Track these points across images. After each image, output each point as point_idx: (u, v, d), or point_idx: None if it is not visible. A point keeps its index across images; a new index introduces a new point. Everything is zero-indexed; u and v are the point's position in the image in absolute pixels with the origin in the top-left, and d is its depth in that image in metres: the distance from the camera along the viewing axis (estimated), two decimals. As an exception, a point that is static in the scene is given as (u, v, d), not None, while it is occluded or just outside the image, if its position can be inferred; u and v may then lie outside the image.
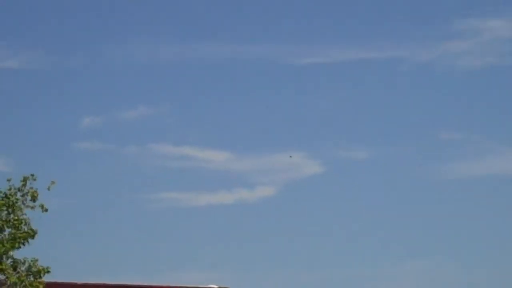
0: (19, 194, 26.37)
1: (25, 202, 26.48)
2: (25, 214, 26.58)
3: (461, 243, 78.06)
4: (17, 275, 26.93)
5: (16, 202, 26.21)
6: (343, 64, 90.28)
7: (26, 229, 26.45)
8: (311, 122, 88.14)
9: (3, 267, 26.96)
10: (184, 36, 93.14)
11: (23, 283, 26.94)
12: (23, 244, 26.70)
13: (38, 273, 26.64)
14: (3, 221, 26.44)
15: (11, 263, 27.03)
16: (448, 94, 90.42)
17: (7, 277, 26.85)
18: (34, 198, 26.45)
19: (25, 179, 26.44)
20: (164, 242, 76.26)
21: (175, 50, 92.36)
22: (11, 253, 27.03)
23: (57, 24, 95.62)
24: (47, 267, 27.24)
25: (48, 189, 26.31)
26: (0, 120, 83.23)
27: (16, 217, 26.39)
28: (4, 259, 26.79)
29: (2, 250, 26.86)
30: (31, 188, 26.49)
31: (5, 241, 26.37)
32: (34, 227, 26.57)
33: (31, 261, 26.63)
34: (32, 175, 26.53)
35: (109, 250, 74.55)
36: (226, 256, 74.01)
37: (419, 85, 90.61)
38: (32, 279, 27.19)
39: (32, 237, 26.72)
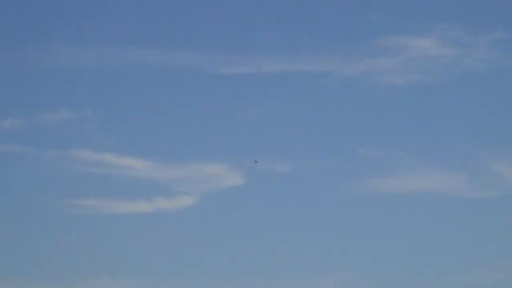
0: None
1: None
2: None
3: (376, 256, 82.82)
4: None
5: None
6: (270, 75, 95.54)
7: None
8: (235, 133, 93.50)
9: None
10: (110, 41, 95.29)
11: None
12: None
13: None
14: None
15: None
16: (371, 109, 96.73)
17: None
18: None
19: None
20: (81, 248, 79.66)
21: (101, 55, 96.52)
22: None
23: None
24: None
25: None
26: None
27: None
28: None
29: None
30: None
31: None
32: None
33: None
34: None
35: (26, 252, 77.67)
36: (142, 264, 79.36)
37: (343, 100, 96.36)
38: None
39: None
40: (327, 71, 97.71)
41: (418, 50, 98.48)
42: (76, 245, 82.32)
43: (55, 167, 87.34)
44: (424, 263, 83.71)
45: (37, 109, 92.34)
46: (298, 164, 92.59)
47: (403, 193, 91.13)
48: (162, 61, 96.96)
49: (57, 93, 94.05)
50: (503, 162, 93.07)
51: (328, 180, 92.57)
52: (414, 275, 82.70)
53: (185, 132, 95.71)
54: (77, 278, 77.00)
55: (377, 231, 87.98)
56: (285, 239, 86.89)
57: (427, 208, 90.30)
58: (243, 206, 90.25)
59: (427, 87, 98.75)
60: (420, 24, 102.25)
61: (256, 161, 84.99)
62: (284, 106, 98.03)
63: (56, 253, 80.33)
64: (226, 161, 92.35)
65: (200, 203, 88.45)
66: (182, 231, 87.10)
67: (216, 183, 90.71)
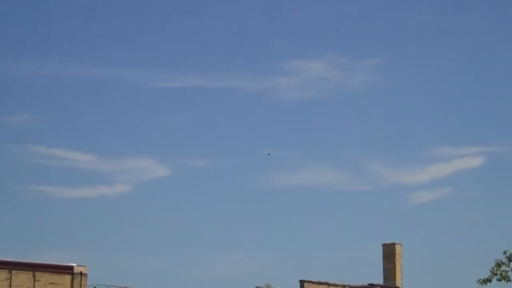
0: None
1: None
2: None
3: (274, 235, 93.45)
4: None
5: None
6: (192, 89, 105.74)
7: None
8: (163, 134, 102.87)
9: None
10: (62, 57, 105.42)
11: None
12: None
13: None
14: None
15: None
16: (273, 118, 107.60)
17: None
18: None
19: None
20: (35, 226, 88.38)
21: (55, 70, 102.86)
22: None
23: None
24: None
25: None
26: None
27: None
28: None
29: None
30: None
31: None
32: None
33: None
34: None
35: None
36: (86, 241, 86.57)
37: (250, 110, 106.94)
38: None
39: None
40: (238, 86, 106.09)
41: (312, 71, 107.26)
42: (28, 223, 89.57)
43: (14, 159, 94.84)
44: (308, 243, 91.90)
45: (2, 111, 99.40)
46: (212, 160, 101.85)
47: (297, 186, 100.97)
48: (102, 75, 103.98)
49: (19, 100, 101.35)
50: (378, 162, 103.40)
51: (236, 174, 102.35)
52: (297, 251, 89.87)
53: (121, 132, 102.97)
54: (31, 250, 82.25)
55: (275, 217, 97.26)
56: (202, 220, 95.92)
57: (316, 198, 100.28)
58: (168, 193, 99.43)
59: (318, 102, 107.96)
60: (313, 51, 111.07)
61: (269, 154, 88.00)
62: (202, 113, 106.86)
63: (15, 230, 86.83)
64: (155, 157, 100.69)
65: (134, 190, 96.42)
66: (119, 213, 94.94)
67: (147, 174, 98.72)
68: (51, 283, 41.80)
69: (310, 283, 50.81)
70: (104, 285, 45.70)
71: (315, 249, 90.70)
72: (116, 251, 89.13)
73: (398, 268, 55.83)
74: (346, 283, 52.83)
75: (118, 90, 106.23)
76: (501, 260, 39.61)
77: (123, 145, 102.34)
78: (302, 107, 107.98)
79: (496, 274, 39.56)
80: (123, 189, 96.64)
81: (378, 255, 56.55)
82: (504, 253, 39.65)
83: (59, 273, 42.07)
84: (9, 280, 40.21)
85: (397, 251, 55.78)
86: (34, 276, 41.25)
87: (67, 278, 42.16)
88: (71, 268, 42.47)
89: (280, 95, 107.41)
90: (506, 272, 39.41)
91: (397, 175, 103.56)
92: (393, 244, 55.76)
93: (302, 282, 50.70)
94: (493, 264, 39.69)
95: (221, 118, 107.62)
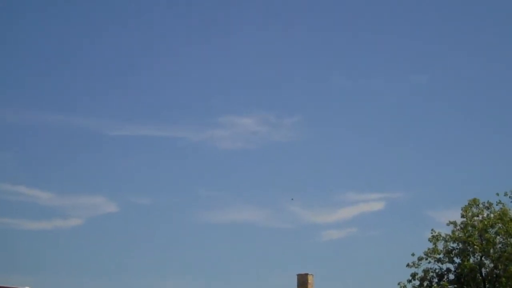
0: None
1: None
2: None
3: (205, 265, 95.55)
4: None
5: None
6: (141, 137, 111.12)
7: None
8: (113, 175, 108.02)
9: None
10: (28, 103, 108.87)
11: None
12: None
13: None
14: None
15: None
16: (209, 163, 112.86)
17: None
18: None
19: None
20: None
21: (18, 115, 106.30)
22: None
23: None
24: None
25: None
26: None
27: None
28: None
29: None
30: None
31: None
32: None
33: None
34: None
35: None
36: (40, 268, 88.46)
37: (190, 156, 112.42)
38: None
39: None
40: (181, 137, 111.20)
41: (243, 126, 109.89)
42: None
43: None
44: (234, 272, 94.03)
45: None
46: (156, 199, 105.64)
47: (227, 222, 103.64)
48: (62, 122, 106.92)
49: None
50: (296, 204, 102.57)
51: (176, 211, 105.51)
52: (225, 279, 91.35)
53: (76, 174, 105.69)
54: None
55: (207, 249, 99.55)
56: (143, 251, 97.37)
57: (243, 233, 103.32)
58: (117, 226, 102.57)
59: (247, 152, 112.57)
60: (244, 108, 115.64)
61: (292, 199, 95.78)
62: (150, 158, 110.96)
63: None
64: (105, 195, 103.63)
65: (86, 223, 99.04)
66: (72, 243, 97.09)
67: (98, 210, 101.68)
68: (8, 303, 43.73)
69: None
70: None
71: (240, 277, 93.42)
72: (68, 276, 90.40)
73: None
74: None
75: (76, 136, 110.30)
76: None
77: (76, 184, 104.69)
78: (234, 155, 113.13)
79: None
80: (77, 222, 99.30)
81: (293, 284, 57.88)
82: (398, 284, 46.71)
83: (16, 294, 44.25)
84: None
85: (309, 281, 57.46)
86: (-8, 297, 43.36)
87: (23, 299, 44.17)
88: (27, 290, 44.87)
89: (216, 144, 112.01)
90: None
91: (311, 216, 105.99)
92: (306, 274, 57.45)
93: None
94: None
95: (166, 162, 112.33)
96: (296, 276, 58.58)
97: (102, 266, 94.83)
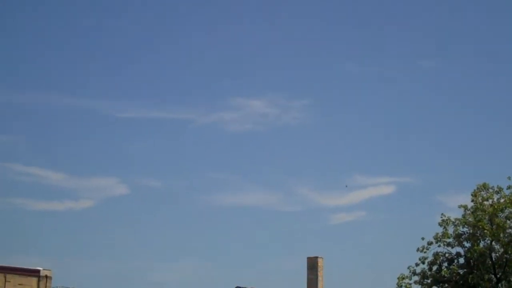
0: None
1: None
2: None
3: (215, 248, 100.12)
4: None
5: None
6: (152, 119, 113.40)
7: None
8: (125, 158, 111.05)
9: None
10: (40, 86, 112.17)
11: None
12: None
13: None
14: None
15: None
16: (218, 146, 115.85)
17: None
18: None
19: None
20: (8, 234, 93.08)
21: (32, 97, 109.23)
22: None
23: None
24: None
25: None
26: None
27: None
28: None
29: None
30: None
31: None
32: None
33: None
34: None
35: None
36: (51, 249, 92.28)
37: (200, 139, 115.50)
38: None
39: None
40: (190, 118, 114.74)
41: (252, 108, 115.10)
42: (5, 231, 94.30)
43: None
44: (244, 255, 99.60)
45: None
46: (166, 181, 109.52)
47: (237, 205, 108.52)
48: (74, 104, 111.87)
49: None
50: (304, 187, 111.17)
51: (186, 193, 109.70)
52: (235, 261, 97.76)
53: (87, 155, 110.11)
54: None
55: (218, 231, 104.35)
56: (156, 231, 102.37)
57: (252, 216, 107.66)
58: (128, 208, 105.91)
59: (258, 134, 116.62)
60: (254, 91, 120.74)
61: (346, 186, 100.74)
62: (158, 140, 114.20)
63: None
64: (117, 177, 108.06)
65: (97, 205, 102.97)
66: (84, 225, 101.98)
67: (109, 191, 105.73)
68: (19, 284, 43.02)
69: (244, 289, 52.65)
70: (67, 287, 47.35)
71: (250, 260, 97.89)
72: (78, 257, 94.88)
73: (320, 278, 57.21)
74: None
75: (86, 118, 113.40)
76: (404, 274, 46.14)
77: (88, 166, 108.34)
78: (244, 137, 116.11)
79: (401, 286, 45.82)
80: (88, 204, 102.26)
81: (303, 267, 58.15)
82: (408, 268, 46.52)
83: (27, 275, 43.48)
84: (-17, 280, 41.77)
85: (319, 264, 57.34)
86: (5, 277, 42.53)
87: (34, 280, 43.47)
88: (38, 271, 43.96)
89: (225, 127, 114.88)
90: (410, 284, 46.08)
91: (321, 199, 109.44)
92: (316, 257, 57.40)
93: (237, 288, 52.93)
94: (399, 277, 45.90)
95: (175, 145, 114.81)
96: (306, 259, 58.58)
97: (112, 247, 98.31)
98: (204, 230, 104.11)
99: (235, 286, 54.68)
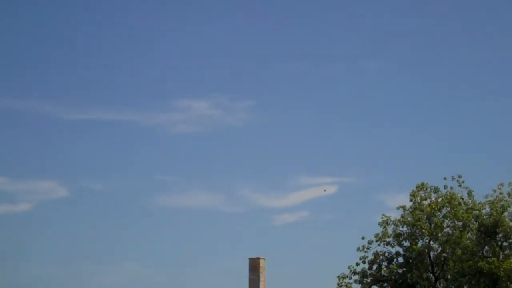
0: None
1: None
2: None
3: (157, 249, 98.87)
4: None
5: None
6: (93, 121, 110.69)
7: None
8: (66, 160, 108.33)
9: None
10: None
11: None
12: None
13: None
14: None
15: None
16: (163, 148, 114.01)
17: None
18: None
19: None
20: None
21: None
22: None
23: None
24: None
25: None
26: None
27: None
28: None
29: None
30: None
31: None
32: None
33: None
34: None
35: None
36: None
37: (145, 141, 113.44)
38: None
39: None
40: (134, 120, 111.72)
41: (197, 110, 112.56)
42: None
43: None
44: (188, 256, 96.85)
45: None
46: (108, 183, 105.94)
47: (180, 207, 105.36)
48: (12, 106, 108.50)
49: None
50: (247, 188, 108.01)
51: (128, 195, 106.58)
52: (178, 262, 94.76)
53: (26, 158, 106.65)
54: None
55: (161, 233, 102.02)
56: (97, 234, 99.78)
57: (195, 218, 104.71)
58: (67, 211, 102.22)
59: (202, 135, 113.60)
60: (199, 92, 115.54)
61: (324, 190, 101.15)
62: (100, 142, 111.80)
63: None
64: (56, 179, 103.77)
65: (36, 208, 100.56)
66: (22, 227, 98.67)
67: (48, 194, 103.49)
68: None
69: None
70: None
71: (192, 261, 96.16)
72: (16, 261, 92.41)
73: (261, 279, 56.80)
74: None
75: (26, 118, 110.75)
76: (344, 274, 46.92)
77: (27, 169, 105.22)
78: (188, 139, 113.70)
79: (341, 286, 46.60)
80: (27, 207, 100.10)
81: (245, 268, 57.69)
82: (348, 267, 47.29)
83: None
84: None
85: (261, 265, 57.04)
86: None
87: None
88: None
89: (170, 128, 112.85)
90: (350, 284, 46.82)
91: (264, 200, 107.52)
92: (258, 258, 57.03)
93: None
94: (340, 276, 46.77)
95: (118, 146, 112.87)
96: (248, 260, 58.44)
97: (53, 250, 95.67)
98: (146, 232, 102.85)
99: None
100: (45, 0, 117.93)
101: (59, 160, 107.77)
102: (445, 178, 47.87)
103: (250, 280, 57.88)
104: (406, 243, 47.54)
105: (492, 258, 44.59)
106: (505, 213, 46.01)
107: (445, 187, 48.08)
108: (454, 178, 47.97)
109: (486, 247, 46.33)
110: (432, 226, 46.61)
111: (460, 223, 47.03)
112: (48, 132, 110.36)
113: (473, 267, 45.05)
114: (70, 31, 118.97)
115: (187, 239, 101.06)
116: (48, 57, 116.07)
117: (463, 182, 48.08)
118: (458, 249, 45.61)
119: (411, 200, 48.47)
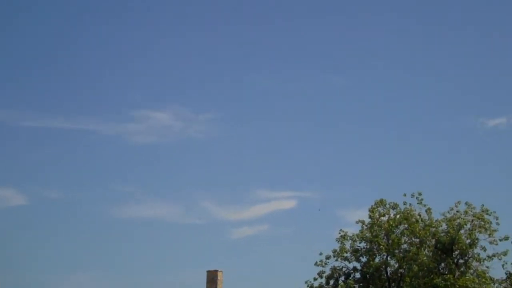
0: None
1: None
2: None
3: (114, 260, 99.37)
4: None
5: None
6: (52, 129, 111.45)
7: None
8: (24, 168, 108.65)
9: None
10: None
11: None
12: None
13: None
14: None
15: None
16: (122, 158, 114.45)
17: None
18: None
19: None
20: None
21: None
22: None
23: None
24: None
25: None
26: None
27: None
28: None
29: None
30: None
31: None
32: None
33: None
34: None
35: None
36: None
37: (104, 151, 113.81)
38: None
39: None
40: (93, 130, 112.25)
41: (157, 120, 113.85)
42: None
43: None
44: (144, 268, 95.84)
45: None
46: (67, 192, 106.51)
47: (137, 218, 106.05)
48: None
49: None
50: (207, 200, 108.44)
51: (87, 205, 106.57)
52: (135, 274, 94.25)
53: None
54: None
55: (118, 244, 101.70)
56: (53, 244, 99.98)
57: (153, 229, 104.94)
58: (25, 219, 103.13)
59: (161, 146, 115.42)
60: (159, 103, 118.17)
61: (319, 209, 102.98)
62: (59, 151, 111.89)
63: None
64: (14, 187, 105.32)
65: None
66: None
67: (6, 202, 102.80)
68: None
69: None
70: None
71: (149, 274, 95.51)
72: None
73: None
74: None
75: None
76: None
77: None
78: (147, 150, 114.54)
79: None
80: None
81: (202, 280, 57.91)
82: (305, 282, 47.49)
83: None
84: None
85: (219, 277, 57.45)
86: None
87: None
88: None
89: (129, 138, 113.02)
90: None
91: (223, 212, 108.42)
92: (216, 271, 57.50)
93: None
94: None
95: (77, 156, 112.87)
96: (206, 273, 58.68)
97: (10, 260, 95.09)
98: (104, 242, 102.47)
99: None
100: None
101: (17, 168, 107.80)
102: (404, 195, 48.30)
103: (207, 293, 58.17)
104: (364, 259, 47.76)
105: (448, 275, 44.98)
106: (461, 231, 46.49)
107: (404, 203, 48.49)
108: (414, 195, 48.36)
109: (443, 264, 46.74)
110: (389, 242, 46.89)
111: (417, 240, 47.35)
112: (4, 139, 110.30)
113: (429, 284, 45.32)
114: (28, 37, 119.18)
115: (145, 250, 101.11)
116: (4, 63, 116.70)
117: (422, 199, 48.43)
118: (415, 266, 45.92)
119: (369, 216, 48.74)
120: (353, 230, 48.89)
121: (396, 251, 46.79)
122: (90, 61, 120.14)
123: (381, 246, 46.83)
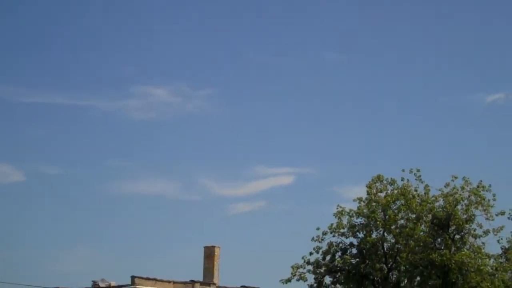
0: None
1: None
2: None
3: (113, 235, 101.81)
4: None
5: None
6: (51, 105, 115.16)
7: None
8: (22, 144, 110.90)
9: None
10: None
11: None
12: None
13: None
14: None
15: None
16: (121, 134, 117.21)
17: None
18: None
19: None
20: None
21: None
22: None
23: None
24: None
25: None
26: None
27: None
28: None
29: None
30: None
31: None
32: None
33: None
34: None
35: None
36: None
37: (103, 127, 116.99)
38: None
39: None
40: (92, 105, 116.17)
41: (156, 96, 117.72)
42: None
43: None
44: (142, 244, 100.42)
45: None
46: (64, 169, 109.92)
47: (136, 194, 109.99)
48: None
49: None
50: (204, 176, 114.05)
51: (85, 181, 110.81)
52: (131, 250, 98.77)
53: None
54: None
55: (115, 220, 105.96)
56: (52, 219, 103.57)
57: (152, 205, 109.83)
58: (23, 195, 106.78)
59: (160, 122, 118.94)
60: (158, 79, 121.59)
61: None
62: (57, 127, 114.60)
63: None
64: (12, 163, 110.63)
65: None
66: None
67: (3, 178, 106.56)
68: None
69: (140, 279, 54.26)
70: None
71: (147, 249, 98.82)
72: None
73: (216, 267, 58.74)
74: (171, 279, 55.55)
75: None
76: (298, 263, 46.87)
77: None
78: (146, 125, 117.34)
79: (295, 275, 46.65)
80: None
81: (200, 256, 59.79)
82: (302, 257, 47.28)
83: None
84: None
85: (216, 253, 58.73)
86: None
87: None
88: None
89: (128, 115, 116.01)
90: (304, 273, 46.93)
91: (221, 188, 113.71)
92: (213, 247, 58.43)
93: (133, 278, 54.29)
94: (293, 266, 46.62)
95: (76, 132, 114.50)
96: (203, 248, 59.40)
97: (8, 235, 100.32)
98: (101, 218, 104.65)
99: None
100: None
101: (15, 144, 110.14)
102: (403, 170, 48.31)
103: (205, 268, 59.03)
104: (361, 234, 47.93)
105: (444, 250, 45.18)
106: (458, 207, 46.62)
107: (402, 179, 48.56)
108: (412, 171, 48.38)
109: (439, 239, 47.09)
110: (386, 218, 47.07)
111: (414, 216, 47.53)
112: (3, 115, 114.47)
113: (425, 259, 45.56)
114: (28, 14, 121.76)
115: (143, 226, 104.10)
116: (3, 39, 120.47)
117: (420, 176, 48.42)
118: (411, 241, 46.19)
119: (367, 192, 48.87)
120: (351, 206, 48.99)
121: (393, 226, 46.98)
122: (89, 37, 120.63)
123: (378, 222, 46.98)
